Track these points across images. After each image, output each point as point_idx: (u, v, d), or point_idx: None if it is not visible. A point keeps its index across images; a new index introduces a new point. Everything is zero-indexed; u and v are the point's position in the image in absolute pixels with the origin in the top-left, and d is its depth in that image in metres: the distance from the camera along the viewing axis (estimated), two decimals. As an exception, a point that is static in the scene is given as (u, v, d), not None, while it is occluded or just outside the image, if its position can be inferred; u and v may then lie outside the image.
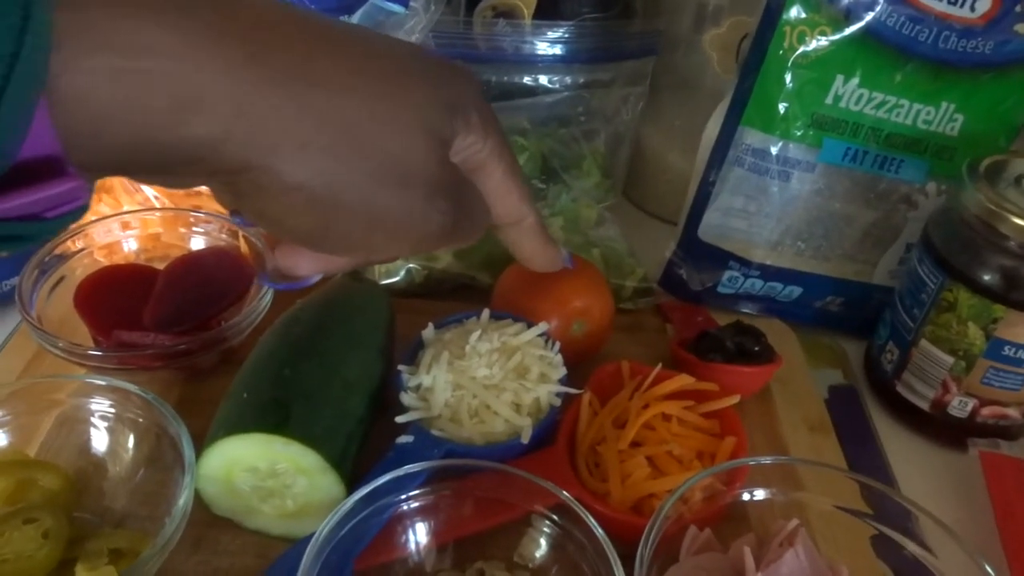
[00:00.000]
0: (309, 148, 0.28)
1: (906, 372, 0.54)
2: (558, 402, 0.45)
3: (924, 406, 0.54)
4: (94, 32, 0.22)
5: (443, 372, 0.44)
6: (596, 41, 0.64)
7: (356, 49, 0.29)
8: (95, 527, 0.42)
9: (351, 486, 0.40)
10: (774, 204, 0.58)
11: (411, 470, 0.39)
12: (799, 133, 0.55)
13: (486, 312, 0.49)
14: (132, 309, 0.51)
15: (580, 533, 0.38)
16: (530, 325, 0.47)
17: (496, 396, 0.44)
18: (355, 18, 0.57)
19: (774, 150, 0.56)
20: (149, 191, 0.59)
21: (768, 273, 0.61)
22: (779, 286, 0.61)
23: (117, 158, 0.25)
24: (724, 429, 0.47)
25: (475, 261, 0.60)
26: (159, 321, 0.50)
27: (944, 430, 0.54)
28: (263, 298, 0.50)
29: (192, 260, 0.55)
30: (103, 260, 0.55)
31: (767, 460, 0.42)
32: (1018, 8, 0.51)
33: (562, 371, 0.46)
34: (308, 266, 0.35)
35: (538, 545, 0.41)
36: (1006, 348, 0.49)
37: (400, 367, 0.46)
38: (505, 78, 0.64)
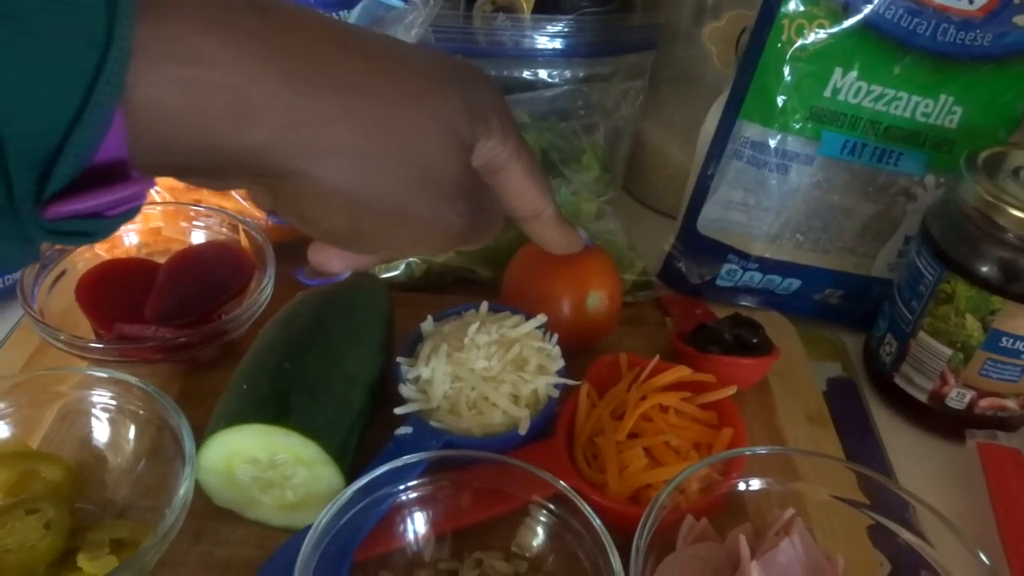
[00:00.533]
0: (352, 156, 0.29)
1: (904, 364, 0.54)
2: (556, 394, 0.46)
3: (922, 398, 0.54)
4: (166, 44, 0.24)
5: (442, 364, 0.44)
6: (596, 35, 0.65)
7: (393, 60, 0.31)
8: (97, 518, 0.42)
9: (351, 478, 0.40)
10: (773, 197, 0.58)
11: (410, 461, 0.40)
12: (798, 126, 0.55)
13: (484, 304, 0.50)
14: (133, 302, 0.51)
15: (578, 523, 0.39)
16: (528, 317, 0.48)
17: (494, 388, 0.44)
18: (355, 13, 0.57)
19: (773, 143, 0.56)
20: (150, 186, 0.60)
21: (767, 266, 0.61)
22: (778, 279, 0.61)
23: (178, 162, 0.27)
24: (722, 421, 0.47)
25: (475, 255, 0.60)
26: (160, 314, 0.50)
27: (942, 422, 0.54)
28: (263, 292, 0.51)
29: (193, 254, 0.55)
30: (104, 254, 0.55)
31: (763, 450, 0.42)
32: (1016, 0, 0.51)
33: (560, 363, 0.47)
34: (338, 263, 0.37)
35: (536, 535, 0.41)
36: (1004, 340, 0.49)
37: (399, 359, 0.46)
38: (505, 72, 0.64)
